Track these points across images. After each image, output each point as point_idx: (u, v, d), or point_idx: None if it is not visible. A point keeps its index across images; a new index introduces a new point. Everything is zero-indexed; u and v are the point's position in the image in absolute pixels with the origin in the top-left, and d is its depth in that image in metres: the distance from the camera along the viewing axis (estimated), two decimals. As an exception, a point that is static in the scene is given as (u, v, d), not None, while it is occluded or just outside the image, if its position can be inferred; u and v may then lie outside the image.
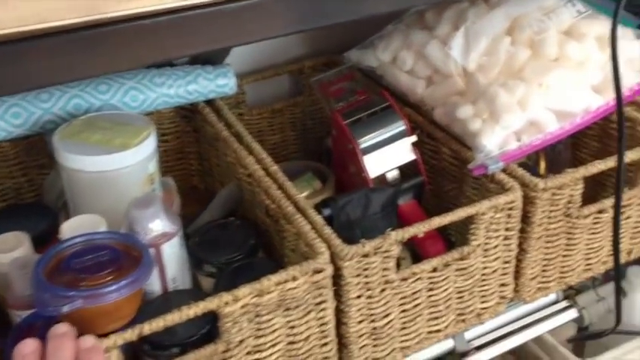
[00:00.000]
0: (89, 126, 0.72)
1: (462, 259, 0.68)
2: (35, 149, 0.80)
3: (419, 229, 0.63)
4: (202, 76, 0.84)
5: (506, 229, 0.69)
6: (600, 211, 0.74)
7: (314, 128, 1.00)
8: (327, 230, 0.62)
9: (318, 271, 0.58)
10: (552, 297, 0.98)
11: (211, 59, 0.89)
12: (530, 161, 0.87)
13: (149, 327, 0.50)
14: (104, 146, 0.69)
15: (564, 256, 0.76)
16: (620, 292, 0.80)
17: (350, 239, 0.62)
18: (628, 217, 0.78)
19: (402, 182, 0.76)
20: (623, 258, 0.81)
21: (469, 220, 0.67)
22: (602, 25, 0.75)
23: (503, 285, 0.73)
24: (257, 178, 0.70)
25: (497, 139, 0.70)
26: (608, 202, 0.74)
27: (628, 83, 0.75)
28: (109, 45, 0.48)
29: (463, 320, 0.72)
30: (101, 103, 0.78)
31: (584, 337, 0.95)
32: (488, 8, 0.76)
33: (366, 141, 0.75)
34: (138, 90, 0.80)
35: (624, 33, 0.77)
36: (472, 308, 0.72)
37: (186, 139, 0.90)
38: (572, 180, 0.69)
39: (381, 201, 0.69)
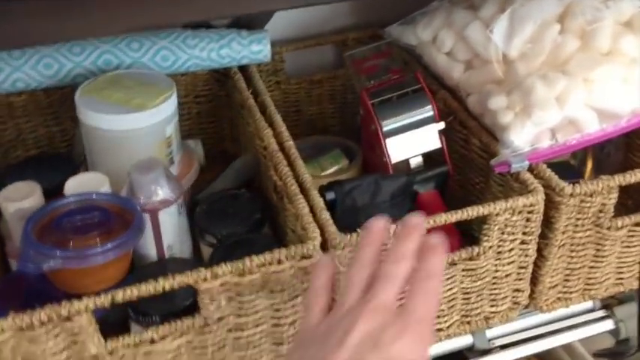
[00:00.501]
0: (113, 83, 0.73)
1: (470, 259, 0.64)
2: (68, 101, 0.82)
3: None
4: (236, 41, 0.82)
5: (524, 233, 0.64)
6: (637, 224, 0.68)
7: (354, 102, 0.96)
8: (325, 215, 0.59)
9: (306, 257, 0.56)
10: (589, 304, 0.92)
11: (251, 24, 0.87)
12: (575, 160, 0.81)
13: (122, 295, 0.50)
14: (123, 105, 0.70)
15: (591, 267, 0.70)
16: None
17: (353, 226, 0.60)
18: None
19: (426, 170, 0.73)
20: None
21: (482, 220, 0.62)
22: None
23: (517, 290, 0.69)
24: (270, 151, 0.68)
25: (528, 135, 0.64)
26: (649, 215, 0.67)
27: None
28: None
29: (468, 322, 0.68)
30: (132, 60, 0.78)
31: (606, 355, 0.89)
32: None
33: (389, 123, 0.72)
34: (169, 50, 0.80)
35: None
36: (479, 311, 0.68)
37: (220, 103, 0.90)
38: (606, 188, 0.63)
39: (391, 189, 0.66)
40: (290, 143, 0.69)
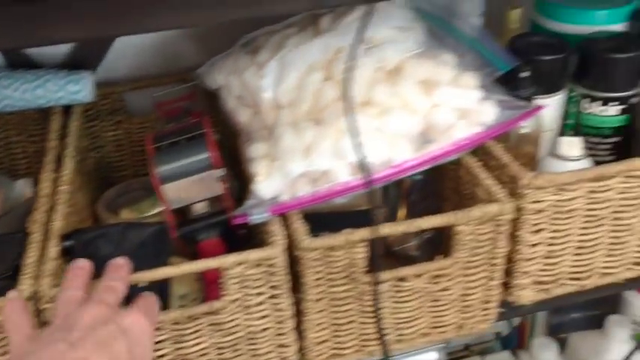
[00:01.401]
0: None
1: (213, 313, 0.62)
2: None
3: (139, 277, 0.58)
4: (52, 82, 0.83)
5: (272, 287, 0.62)
6: (402, 279, 0.65)
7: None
8: (50, 265, 0.58)
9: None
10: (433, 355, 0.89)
11: (85, 63, 0.88)
12: (388, 205, 0.79)
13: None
14: None
15: (362, 322, 0.67)
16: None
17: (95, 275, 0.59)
18: (445, 289, 0.67)
19: (207, 217, 0.71)
20: (452, 332, 0.71)
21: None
22: (432, 66, 0.65)
23: (282, 346, 0.66)
24: (40, 196, 0.68)
25: (273, 185, 0.62)
26: (411, 270, 0.64)
27: (460, 134, 0.64)
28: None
29: (229, 378, 0.66)
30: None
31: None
32: (313, 35, 0.68)
33: (166, 169, 0.70)
34: (-16, 90, 0.81)
35: (465, 80, 0.66)
36: (239, 366, 0.65)
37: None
38: (348, 242, 0.60)
39: (140, 238, 0.65)
40: (64, 188, 0.69)
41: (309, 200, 0.62)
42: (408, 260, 0.79)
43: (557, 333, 1.21)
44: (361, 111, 0.62)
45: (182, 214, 0.72)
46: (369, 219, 0.70)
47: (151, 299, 0.55)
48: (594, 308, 1.17)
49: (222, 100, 0.76)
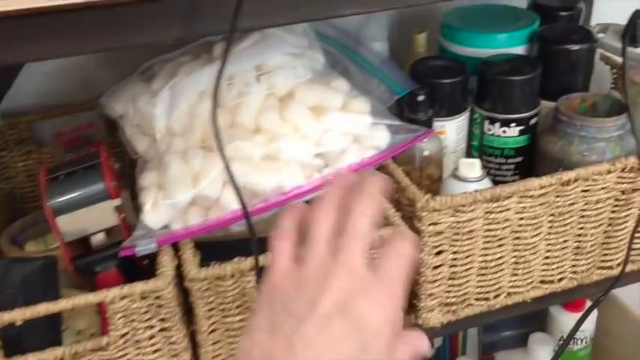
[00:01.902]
0: None
1: (99, 349, 0.59)
2: None
3: (15, 316, 0.56)
4: (-50, 114, 0.80)
5: (162, 320, 0.60)
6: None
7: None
8: None
9: None
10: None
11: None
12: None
13: None
14: None
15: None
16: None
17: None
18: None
19: (105, 249, 0.69)
20: None
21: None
22: (322, 92, 0.65)
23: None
24: None
25: (161, 215, 0.61)
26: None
27: (352, 158, 0.65)
28: None
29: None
30: None
31: None
32: (206, 63, 0.68)
33: (60, 200, 0.68)
34: None
35: (356, 105, 0.66)
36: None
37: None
38: (237, 271, 0.59)
39: (22, 274, 0.62)
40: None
41: (199, 229, 0.61)
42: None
43: (490, 352, 1.21)
44: (251, 138, 0.62)
45: (84, 245, 0.71)
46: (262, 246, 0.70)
47: (400, 264, 0.40)
48: (524, 326, 1.17)
49: (121, 129, 0.74)
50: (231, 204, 0.61)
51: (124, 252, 0.61)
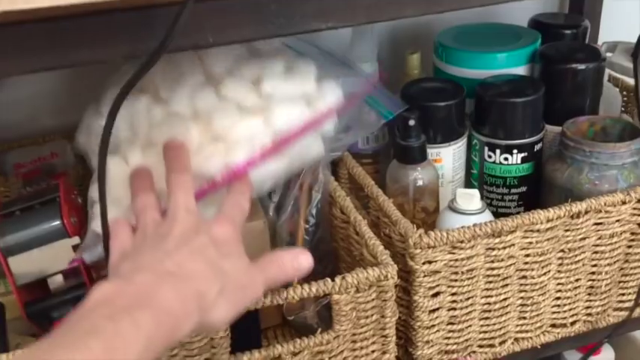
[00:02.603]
0: None
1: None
2: None
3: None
4: None
5: None
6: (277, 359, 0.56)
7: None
8: None
9: None
10: None
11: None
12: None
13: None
14: None
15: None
16: None
17: None
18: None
19: (63, 293, 0.62)
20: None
21: None
22: (261, 62, 0.58)
23: None
24: None
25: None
26: (286, 348, 0.56)
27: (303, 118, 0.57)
28: None
29: None
30: None
31: None
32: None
33: (12, 239, 0.62)
34: None
35: (299, 67, 0.59)
36: None
37: None
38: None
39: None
40: None
41: None
42: (306, 330, 0.71)
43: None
44: (190, 125, 0.55)
45: (42, 288, 0.64)
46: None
47: (235, 206, 0.51)
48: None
49: (89, 164, 0.67)
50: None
51: (72, 264, 0.54)
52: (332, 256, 0.71)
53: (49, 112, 0.84)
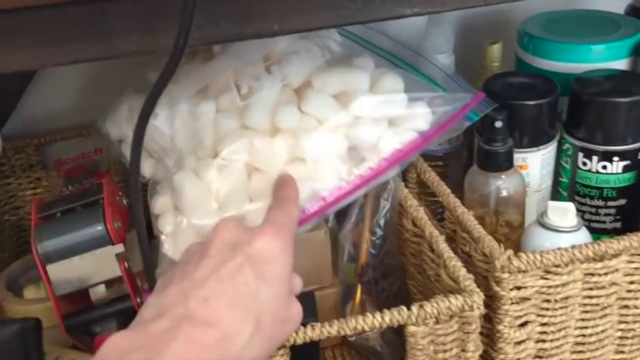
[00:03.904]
0: None
1: None
2: None
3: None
4: (-57, 136, 0.70)
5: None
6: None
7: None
8: None
9: None
10: None
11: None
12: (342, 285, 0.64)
13: None
14: None
15: None
16: None
17: None
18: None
19: (105, 306, 0.57)
20: None
21: None
22: (343, 74, 0.51)
23: None
24: None
25: (184, 243, 0.48)
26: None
27: (391, 145, 0.51)
28: None
29: None
30: None
31: None
32: (204, 61, 0.54)
33: (51, 245, 0.56)
34: None
35: (386, 83, 0.52)
36: None
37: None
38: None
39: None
40: None
41: None
42: (368, 352, 0.64)
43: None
44: (270, 141, 0.48)
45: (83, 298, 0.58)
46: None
47: (282, 213, 0.44)
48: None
49: (123, 155, 0.62)
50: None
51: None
52: (399, 271, 0.64)
53: (92, 103, 0.79)
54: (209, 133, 0.50)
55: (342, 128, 0.49)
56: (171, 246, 0.51)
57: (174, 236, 0.50)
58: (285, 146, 0.48)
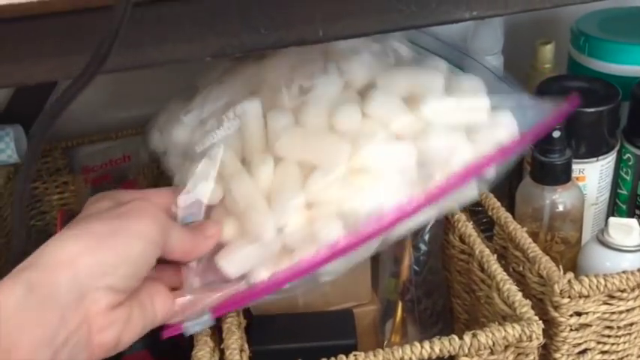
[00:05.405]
0: None
1: None
2: None
3: None
4: (-31, 140, 0.68)
5: None
6: None
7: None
8: None
9: None
10: None
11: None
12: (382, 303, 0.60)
13: None
14: None
15: None
16: None
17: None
18: None
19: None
20: None
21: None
22: (414, 75, 0.46)
23: None
24: None
25: (242, 261, 0.43)
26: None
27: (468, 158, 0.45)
28: None
29: None
30: None
31: None
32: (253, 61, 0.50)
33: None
34: None
35: (465, 85, 0.47)
36: None
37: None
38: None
39: None
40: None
41: (284, 279, 0.43)
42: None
43: None
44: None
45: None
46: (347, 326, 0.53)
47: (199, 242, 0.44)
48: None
49: (163, 163, 0.58)
50: (327, 233, 0.42)
51: (167, 333, 0.44)
52: (443, 288, 0.60)
53: (120, 105, 0.76)
54: (257, 133, 0.46)
55: (411, 135, 0.44)
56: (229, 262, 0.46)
57: (230, 252, 0.45)
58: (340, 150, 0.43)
